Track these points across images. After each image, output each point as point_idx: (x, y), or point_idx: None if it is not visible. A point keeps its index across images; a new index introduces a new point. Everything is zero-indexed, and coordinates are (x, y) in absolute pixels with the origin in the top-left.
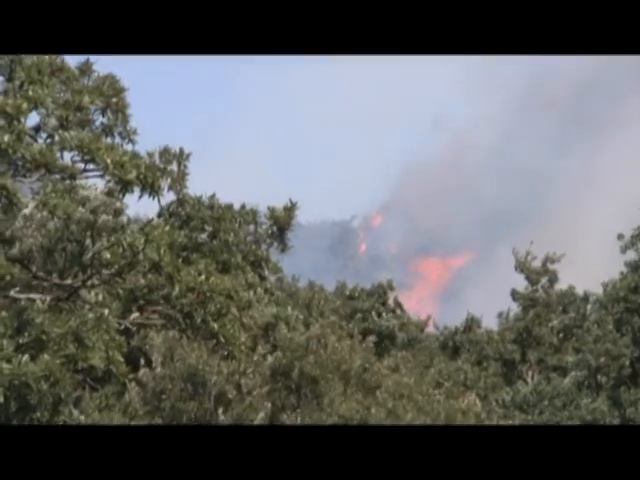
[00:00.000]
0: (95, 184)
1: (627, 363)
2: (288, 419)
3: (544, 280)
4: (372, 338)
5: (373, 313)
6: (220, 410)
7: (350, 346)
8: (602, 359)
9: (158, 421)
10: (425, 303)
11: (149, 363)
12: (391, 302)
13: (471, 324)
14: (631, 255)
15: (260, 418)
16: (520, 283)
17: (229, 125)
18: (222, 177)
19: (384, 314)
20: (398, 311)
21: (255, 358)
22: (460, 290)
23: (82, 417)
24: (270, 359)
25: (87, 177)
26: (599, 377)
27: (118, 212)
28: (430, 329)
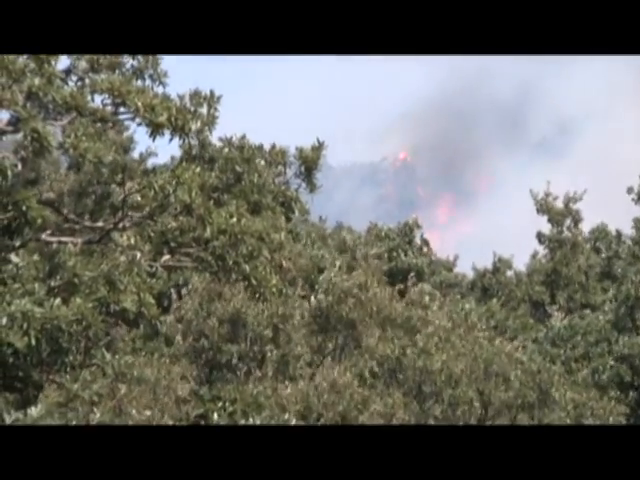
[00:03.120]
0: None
1: None
2: (330, 360)
3: (568, 221)
4: (413, 280)
5: (400, 251)
6: (252, 352)
7: (391, 293)
8: (632, 292)
9: (198, 361)
10: (452, 242)
11: (184, 305)
12: (418, 241)
13: (499, 266)
14: None
15: (302, 360)
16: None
17: (261, 70)
18: (252, 120)
19: (410, 252)
20: (425, 249)
21: (297, 303)
22: (484, 231)
23: (115, 360)
24: (312, 302)
25: (118, 120)
26: (636, 314)
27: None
28: (458, 269)
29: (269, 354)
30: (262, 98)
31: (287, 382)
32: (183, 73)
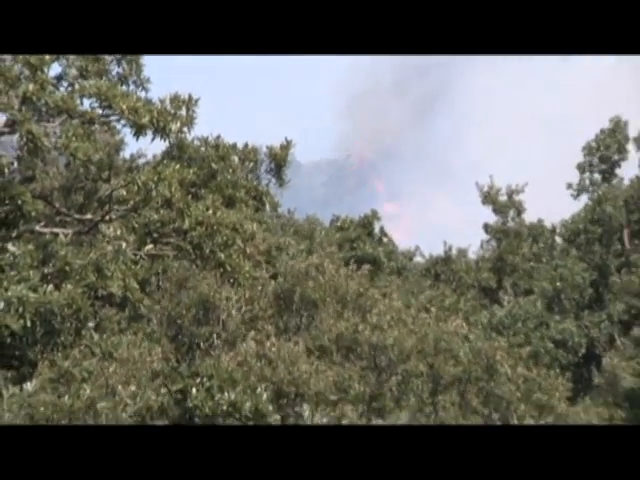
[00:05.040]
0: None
1: (588, 289)
2: (290, 339)
3: (512, 212)
4: (367, 267)
5: (360, 242)
6: (223, 335)
7: (346, 274)
8: (558, 284)
9: (177, 341)
10: (410, 233)
11: (163, 291)
12: (377, 232)
13: (450, 255)
14: (584, 199)
15: (257, 339)
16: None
17: (232, 71)
18: (226, 120)
19: (369, 243)
20: (384, 239)
21: (259, 287)
22: (438, 222)
23: (102, 340)
24: (273, 285)
25: (105, 122)
26: (565, 301)
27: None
28: (417, 258)
29: (238, 333)
30: (230, 94)
31: (256, 358)
32: (165, 79)
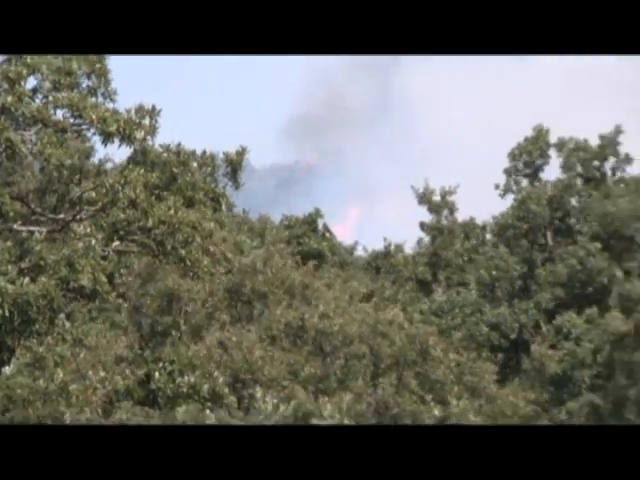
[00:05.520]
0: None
1: (517, 279)
2: (244, 327)
3: (445, 211)
4: (313, 262)
5: (305, 238)
6: (182, 322)
7: (292, 267)
8: (494, 272)
9: (141, 329)
10: (352, 230)
11: (129, 283)
12: (321, 228)
13: (389, 250)
14: (510, 198)
15: (215, 329)
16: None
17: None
18: (187, 126)
19: (314, 238)
20: (327, 235)
21: (217, 280)
22: (379, 220)
23: (73, 328)
24: (227, 278)
25: (76, 130)
26: (498, 290)
27: None
28: (359, 252)
29: (198, 322)
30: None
31: (214, 345)
32: (132, 90)
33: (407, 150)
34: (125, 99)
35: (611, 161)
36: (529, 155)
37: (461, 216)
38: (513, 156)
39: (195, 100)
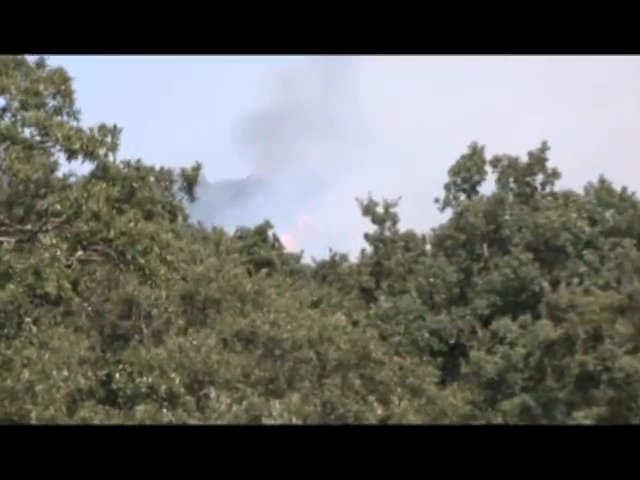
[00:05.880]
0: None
1: (454, 286)
2: (199, 331)
3: (388, 222)
4: (264, 270)
5: (256, 248)
6: (144, 325)
7: (243, 274)
8: (432, 279)
9: (103, 333)
10: (300, 240)
11: (92, 290)
12: (271, 239)
13: (335, 259)
14: (449, 211)
15: (173, 333)
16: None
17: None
18: (146, 143)
19: (264, 248)
20: (277, 245)
21: (174, 288)
22: (327, 231)
23: (39, 332)
24: (182, 286)
25: (43, 147)
26: (436, 297)
27: None
28: (306, 261)
29: (157, 327)
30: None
31: (173, 348)
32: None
33: (357, 159)
34: (87, 114)
35: (540, 176)
36: (467, 171)
37: (403, 227)
38: (452, 172)
39: (147, 110)
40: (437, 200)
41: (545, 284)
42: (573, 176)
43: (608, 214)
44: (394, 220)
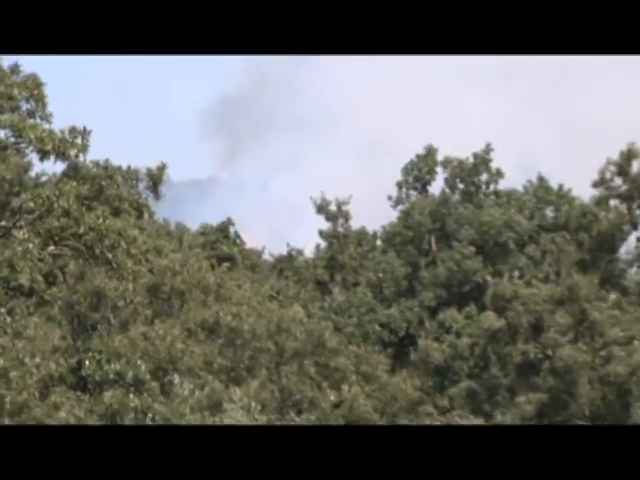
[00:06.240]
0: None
1: (403, 280)
2: (164, 321)
3: (341, 220)
4: (225, 264)
5: (219, 243)
6: (112, 315)
7: (206, 268)
8: (381, 275)
9: (74, 323)
10: (261, 237)
11: (63, 283)
12: (233, 235)
13: (292, 254)
14: (400, 207)
15: (140, 323)
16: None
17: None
18: (115, 144)
19: (226, 244)
20: (238, 241)
21: (140, 280)
22: (284, 227)
23: (13, 322)
24: (149, 278)
25: (16, 148)
26: (386, 290)
27: None
28: (266, 256)
29: (124, 317)
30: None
31: (139, 338)
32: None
33: (317, 157)
34: (58, 116)
35: (485, 176)
36: (419, 171)
37: (358, 223)
38: (406, 171)
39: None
40: (390, 197)
41: (489, 277)
42: (517, 174)
43: (547, 211)
44: (346, 217)
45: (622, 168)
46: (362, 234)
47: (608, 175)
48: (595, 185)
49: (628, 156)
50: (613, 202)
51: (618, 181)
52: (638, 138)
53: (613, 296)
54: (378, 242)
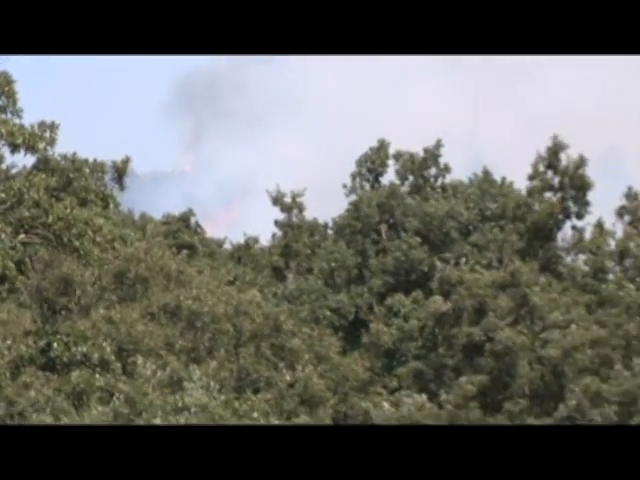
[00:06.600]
0: None
1: (353, 268)
2: (128, 306)
3: (295, 210)
4: (186, 252)
5: (180, 233)
6: (79, 300)
7: (168, 256)
8: (333, 264)
9: (43, 307)
10: (222, 227)
11: (33, 270)
12: (194, 225)
13: (249, 243)
14: (353, 197)
15: (104, 307)
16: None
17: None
18: (83, 137)
19: (187, 233)
20: (199, 230)
21: (105, 267)
22: (243, 217)
23: None
24: (114, 265)
25: None
26: (337, 278)
27: None
28: (227, 245)
29: (91, 302)
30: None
31: (103, 321)
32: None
33: (274, 150)
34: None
35: (434, 170)
36: (372, 163)
37: (314, 213)
38: (359, 162)
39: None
40: (345, 186)
41: (438, 263)
42: (465, 167)
43: (490, 202)
44: (300, 208)
45: (550, 162)
46: (314, 225)
47: (541, 168)
48: (530, 178)
49: (555, 150)
50: (548, 194)
51: (550, 174)
52: (571, 131)
53: (553, 282)
54: (330, 232)
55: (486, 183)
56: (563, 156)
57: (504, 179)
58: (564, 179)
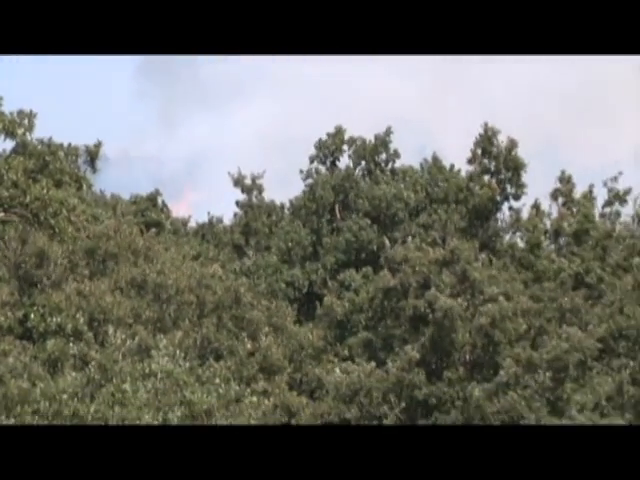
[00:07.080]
0: None
1: (308, 246)
2: (99, 280)
3: (255, 192)
4: (153, 230)
5: (148, 212)
6: (53, 274)
7: (136, 233)
8: (290, 244)
9: (21, 281)
10: (188, 207)
11: (11, 246)
12: (160, 204)
13: (212, 221)
14: (310, 180)
15: (77, 281)
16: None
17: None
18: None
19: (155, 212)
20: (165, 209)
21: (79, 244)
22: (206, 197)
23: None
24: (86, 242)
25: None
26: (293, 255)
27: None
28: (192, 224)
29: (64, 276)
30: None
31: (75, 294)
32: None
33: (236, 134)
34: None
35: (384, 155)
36: (328, 148)
37: (270, 195)
38: (317, 147)
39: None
40: (302, 171)
41: (387, 242)
42: (416, 153)
43: (436, 186)
44: (260, 190)
45: (484, 147)
46: (272, 206)
47: (479, 152)
48: (469, 162)
49: (487, 136)
50: (487, 176)
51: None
52: (499, 118)
53: (493, 259)
54: (287, 212)
55: (435, 168)
56: (495, 141)
57: (453, 165)
58: (499, 162)
